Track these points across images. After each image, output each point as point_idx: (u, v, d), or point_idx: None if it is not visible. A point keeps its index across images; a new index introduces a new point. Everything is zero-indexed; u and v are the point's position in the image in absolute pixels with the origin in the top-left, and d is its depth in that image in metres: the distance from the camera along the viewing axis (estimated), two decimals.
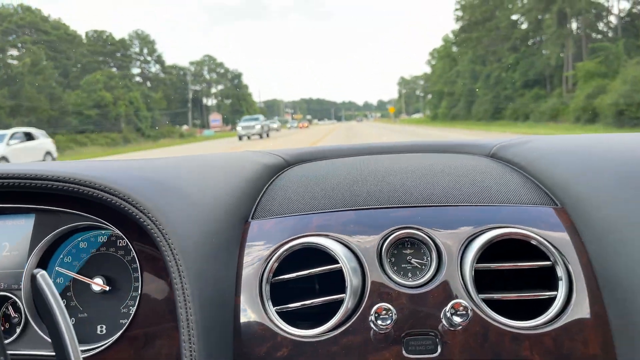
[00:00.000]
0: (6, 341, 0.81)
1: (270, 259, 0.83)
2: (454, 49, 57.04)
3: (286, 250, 0.83)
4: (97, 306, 0.89)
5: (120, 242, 0.91)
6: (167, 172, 0.92)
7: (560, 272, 0.78)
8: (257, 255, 0.85)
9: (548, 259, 0.79)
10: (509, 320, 0.76)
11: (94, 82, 39.42)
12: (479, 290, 0.79)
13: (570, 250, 0.80)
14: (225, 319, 0.78)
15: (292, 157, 1.29)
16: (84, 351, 0.82)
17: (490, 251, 0.81)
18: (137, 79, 62.11)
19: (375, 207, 0.89)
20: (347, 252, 0.82)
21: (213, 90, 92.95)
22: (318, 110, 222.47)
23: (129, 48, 48.48)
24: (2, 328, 0.87)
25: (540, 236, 0.80)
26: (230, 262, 0.83)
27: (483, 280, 0.80)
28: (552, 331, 0.75)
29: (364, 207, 0.89)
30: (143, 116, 44.92)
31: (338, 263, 0.80)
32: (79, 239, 0.92)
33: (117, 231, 0.87)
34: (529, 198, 0.90)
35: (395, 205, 0.89)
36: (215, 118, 77.61)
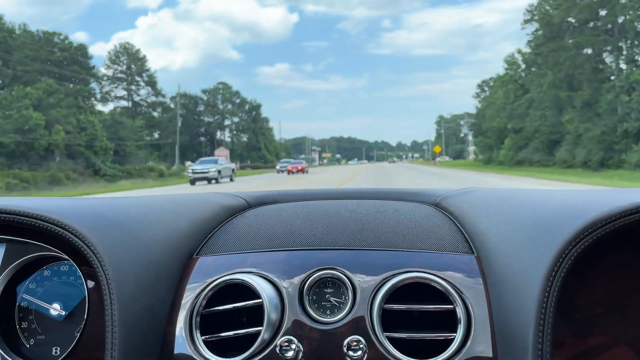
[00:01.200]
0: None
1: (202, 293, 0.92)
2: (523, 72, 43.88)
3: (216, 285, 0.92)
4: (55, 330, 1.00)
5: (78, 272, 1.02)
6: (116, 209, 1.03)
7: (460, 314, 0.85)
8: (193, 288, 0.94)
9: (451, 303, 0.87)
10: (409, 358, 0.83)
11: (18, 98, 27.97)
12: (389, 329, 0.86)
13: (476, 295, 0.88)
14: (153, 345, 0.87)
15: (254, 199, 1.39)
16: None
17: (407, 293, 0.89)
18: (121, 102, 51.06)
19: (305, 248, 0.99)
20: (272, 289, 0.91)
21: (227, 122, 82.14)
22: (349, 149, 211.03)
23: (88, 58, 37.86)
24: None
25: (449, 281, 0.89)
26: (167, 293, 0.92)
27: (396, 320, 0.88)
28: None
29: (295, 249, 1.00)
30: (101, 148, 33.07)
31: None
32: (44, 267, 1.03)
33: (72, 262, 0.98)
34: (452, 246, 0.99)
35: (323, 248, 0.99)
36: (221, 154, 66.90)
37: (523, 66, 44.11)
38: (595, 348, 0.89)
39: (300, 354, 0.85)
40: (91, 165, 31.92)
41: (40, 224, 0.87)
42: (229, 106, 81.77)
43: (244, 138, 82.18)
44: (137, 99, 52.09)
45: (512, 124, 41.16)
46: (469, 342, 0.84)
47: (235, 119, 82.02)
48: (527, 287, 0.76)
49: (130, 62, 49.44)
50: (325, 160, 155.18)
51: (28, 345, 1.00)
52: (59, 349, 0.98)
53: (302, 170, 39.85)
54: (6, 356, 0.96)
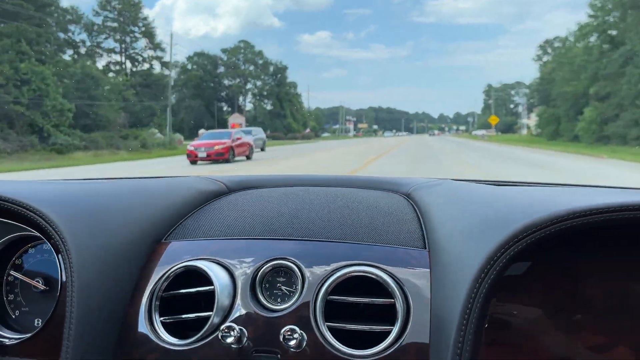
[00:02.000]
0: None
1: (164, 277, 0.98)
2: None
3: (175, 270, 0.98)
4: (37, 302, 1.08)
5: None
6: (87, 194, 1.10)
7: (399, 309, 0.89)
8: (158, 272, 1.00)
9: (392, 297, 0.90)
10: (345, 348, 0.87)
11: None
12: (333, 319, 0.90)
13: (419, 290, 0.91)
14: (112, 325, 0.93)
15: (234, 184, 1.43)
16: (17, 339, 1.03)
17: (356, 285, 0.92)
18: (114, 57, 43.27)
19: (264, 238, 1.04)
20: (227, 276, 0.96)
21: (250, 86, 73.87)
22: (387, 120, 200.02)
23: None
24: None
25: (394, 275, 0.92)
26: (130, 276, 0.98)
27: (341, 311, 0.91)
28: None
29: (256, 237, 1.04)
30: (54, 108, 25.27)
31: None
32: (29, 245, 1.11)
33: (49, 242, 1.05)
34: (406, 240, 1.02)
35: (281, 238, 1.03)
36: (235, 123, 58.80)
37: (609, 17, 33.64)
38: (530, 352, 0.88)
39: (245, 339, 0.89)
40: (37, 131, 24.12)
41: (14, 208, 0.95)
42: (251, 67, 73.48)
43: (268, 105, 73.93)
44: (133, 54, 44.08)
45: (596, 88, 31.23)
46: (405, 335, 0.87)
47: (258, 83, 73.70)
48: (460, 284, 0.78)
49: (123, 7, 41.27)
50: (360, 132, 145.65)
51: (14, 316, 1.09)
52: (40, 320, 1.06)
53: (225, 155, 18.88)
54: None
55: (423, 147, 32.69)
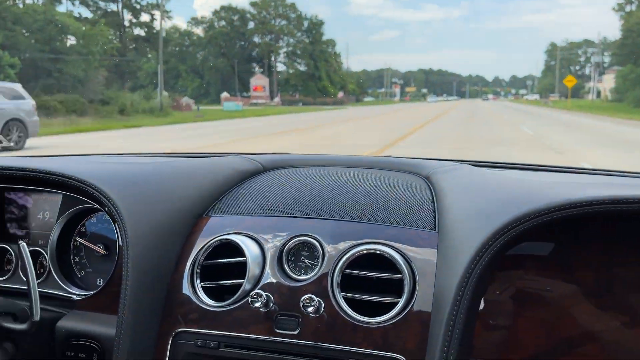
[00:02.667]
0: (37, 281, 1.09)
1: (204, 248, 1.11)
2: None
3: (213, 243, 1.11)
4: (99, 264, 1.25)
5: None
6: (137, 173, 1.24)
7: (406, 284, 0.98)
8: (199, 243, 1.13)
9: (401, 273, 1.00)
10: (357, 315, 0.98)
11: None
12: (347, 290, 1.01)
13: (426, 267, 1.00)
14: (160, 285, 1.07)
15: (269, 163, 1.53)
16: (83, 295, 1.19)
17: (371, 261, 1.02)
18: (111, 6, 37.12)
19: (292, 216, 1.15)
20: (258, 249, 1.08)
21: (282, 44, 66.73)
22: (437, 83, 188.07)
23: None
24: (38, 272, 1.24)
25: (404, 254, 1.02)
26: (175, 246, 1.12)
27: (354, 283, 1.01)
28: (383, 327, 0.96)
29: (284, 215, 1.16)
30: None
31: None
32: (92, 215, 1.28)
33: (107, 213, 1.19)
34: (419, 222, 1.10)
35: (306, 216, 1.14)
36: (258, 82, 52.34)
37: None
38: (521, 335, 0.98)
39: (271, 304, 1.01)
40: None
41: (79, 185, 1.11)
42: (283, 22, 66.28)
43: (301, 66, 66.84)
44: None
45: None
46: (410, 306, 0.97)
47: (291, 40, 66.46)
48: (459, 264, 0.87)
49: None
50: (408, 96, 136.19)
51: (79, 276, 1.26)
52: (101, 279, 1.23)
53: None
54: (61, 283, 1.22)
55: (473, 124, 24.10)
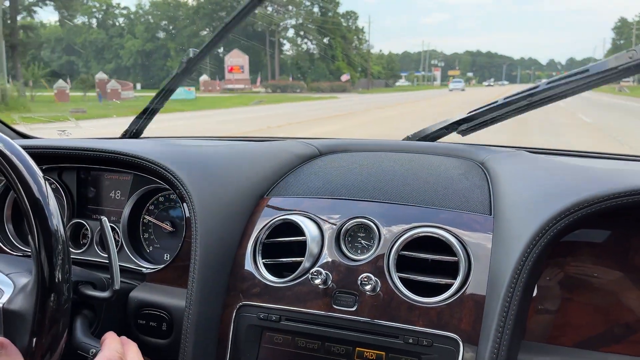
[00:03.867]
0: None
1: (266, 227, 1.15)
2: None
3: (275, 222, 1.15)
4: (166, 240, 1.32)
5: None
6: (204, 155, 1.31)
7: (461, 266, 1.00)
8: (261, 222, 1.17)
9: (455, 255, 1.02)
10: (412, 294, 1.00)
11: None
12: (403, 270, 1.03)
13: (481, 251, 1.01)
14: (225, 261, 1.13)
15: (325, 147, 1.57)
16: (152, 269, 1.25)
17: (427, 243, 1.04)
18: None
19: (349, 198, 1.18)
20: (317, 229, 1.12)
21: (286, 19, 55.01)
22: (486, 66, 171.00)
23: None
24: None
25: (459, 237, 1.03)
26: (239, 224, 1.18)
27: (410, 264, 1.04)
28: (438, 307, 0.98)
29: (341, 198, 1.18)
30: None
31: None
32: (159, 195, 1.34)
33: (176, 193, 1.27)
34: (474, 206, 1.11)
35: (363, 199, 1.16)
36: (234, 62, 40.96)
37: None
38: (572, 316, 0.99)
39: (329, 281, 1.04)
40: None
41: (149, 165, 1.18)
42: None
43: (307, 43, 55.26)
44: None
45: None
46: (465, 288, 0.98)
47: (296, 11, 54.73)
48: (515, 248, 0.89)
49: None
50: (450, 80, 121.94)
51: (148, 251, 1.33)
52: (168, 254, 1.30)
53: None
54: (133, 257, 1.29)
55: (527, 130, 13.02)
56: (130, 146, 1.28)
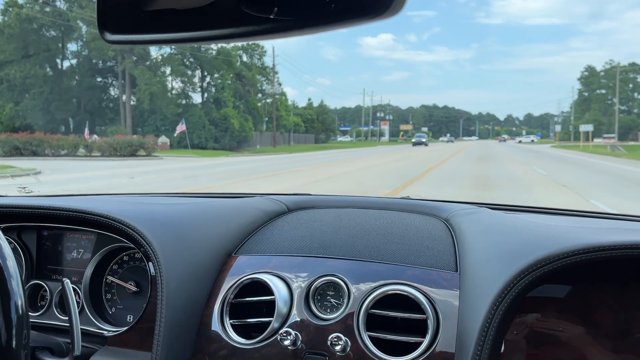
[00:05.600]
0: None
1: (233, 286, 1.14)
2: None
3: (242, 282, 1.14)
4: (129, 301, 1.28)
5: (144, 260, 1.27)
6: (170, 214, 1.27)
7: (430, 324, 1.00)
8: (228, 281, 1.15)
9: (424, 313, 1.02)
10: (382, 354, 1.00)
11: None
12: (373, 329, 1.03)
13: (449, 308, 1.02)
14: (192, 323, 1.10)
15: (293, 204, 1.57)
16: (114, 331, 1.20)
17: (396, 300, 1.05)
18: None
19: (317, 256, 1.17)
20: (285, 288, 1.11)
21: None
22: (443, 121, 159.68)
23: None
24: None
25: (427, 295, 1.04)
26: (206, 284, 1.15)
27: (379, 322, 1.04)
28: None
29: (310, 255, 1.18)
30: None
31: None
32: (123, 254, 1.30)
33: (141, 252, 1.24)
34: (441, 263, 1.12)
35: (332, 257, 1.16)
36: None
37: None
38: None
39: (299, 342, 1.03)
40: None
41: (114, 224, 1.14)
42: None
43: (171, 80, 39.29)
44: None
45: None
46: (434, 346, 0.98)
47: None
48: (482, 305, 0.89)
49: None
50: (403, 136, 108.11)
51: (110, 312, 1.28)
52: (131, 316, 1.26)
53: None
54: (93, 319, 1.23)
55: None
56: (95, 204, 1.24)
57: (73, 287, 1.16)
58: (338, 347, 0.99)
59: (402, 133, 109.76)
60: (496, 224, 1.22)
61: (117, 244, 1.27)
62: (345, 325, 1.03)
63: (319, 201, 1.61)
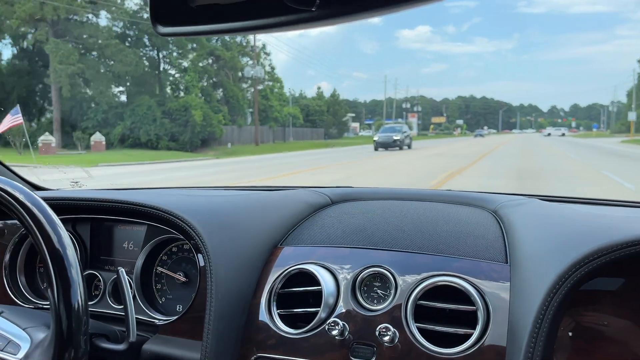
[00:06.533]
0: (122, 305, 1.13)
1: (280, 277, 1.15)
2: None
3: (290, 272, 1.15)
4: (179, 292, 1.31)
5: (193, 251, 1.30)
6: (219, 206, 1.31)
7: (480, 316, 0.99)
8: (275, 272, 1.17)
9: (473, 305, 1.01)
10: (431, 346, 0.99)
11: None
12: (421, 320, 1.03)
13: (499, 300, 1.01)
14: (240, 312, 1.12)
15: (337, 196, 1.57)
16: (165, 320, 1.24)
17: (443, 292, 1.04)
18: None
19: (364, 247, 1.18)
20: (332, 279, 1.11)
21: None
22: (481, 113, 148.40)
23: None
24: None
25: (477, 286, 1.03)
26: (254, 275, 1.17)
27: (430, 314, 1.03)
28: (458, 358, 0.97)
29: (356, 247, 1.18)
30: None
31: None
32: (173, 245, 1.33)
33: (190, 243, 1.26)
34: (490, 255, 1.11)
35: (378, 248, 1.17)
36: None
37: None
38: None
39: (346, 333, 1.04)
40: None
41: (165, 216, 1.18)
42: None
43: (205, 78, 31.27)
44: None
45: None
46: (484, 338, 0.97)
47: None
48: (534, 297, 0.88)
49: None
50: (435, 130, 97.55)
51: (161, 302, 1.32)
52: (181, 306, 1.29)
53: None
54: (145, 309, 1.27)
55: None
56: (145, 196, 1.29)
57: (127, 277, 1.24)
58: (386, 338, 1.00)
59: (432, 126, 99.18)
60: (548, 215, 1.21)
61: (166, 235, 1.30)
62: (393, 317, 1.03)
63: (362, 193, 1.61)
